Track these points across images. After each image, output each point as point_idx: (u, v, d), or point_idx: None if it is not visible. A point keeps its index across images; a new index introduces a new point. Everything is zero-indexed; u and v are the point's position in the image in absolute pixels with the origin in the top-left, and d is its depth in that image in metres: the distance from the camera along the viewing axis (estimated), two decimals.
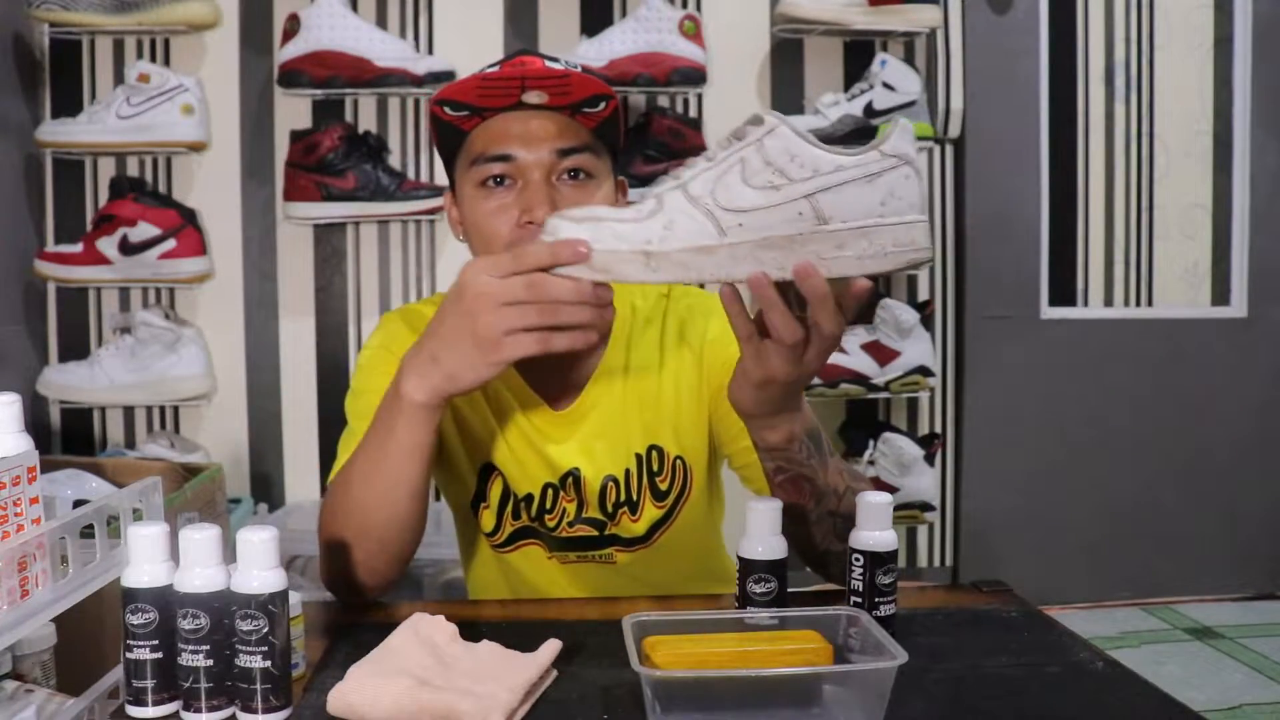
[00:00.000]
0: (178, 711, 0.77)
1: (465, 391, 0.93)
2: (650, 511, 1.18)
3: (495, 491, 1.19)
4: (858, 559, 0.92)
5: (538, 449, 1.17)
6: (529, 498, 1.18)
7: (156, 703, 0.77)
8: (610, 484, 1.17)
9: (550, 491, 1.18)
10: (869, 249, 0.79)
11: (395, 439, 0.98)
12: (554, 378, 1.17)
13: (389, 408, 0.98)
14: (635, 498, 1.18)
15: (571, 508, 1.18)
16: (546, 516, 1.18)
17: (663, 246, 0.80)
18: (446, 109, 1.08)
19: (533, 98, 1.06)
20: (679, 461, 1.18)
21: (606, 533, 1.19)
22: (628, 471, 1.17)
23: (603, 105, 1.08)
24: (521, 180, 1.08)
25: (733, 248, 0.79)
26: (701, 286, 0.84)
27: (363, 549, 1.02)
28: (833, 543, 1.04)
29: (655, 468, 1.18)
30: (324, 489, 2.37)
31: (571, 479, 1.17)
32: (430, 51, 2.34)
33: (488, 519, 1.20)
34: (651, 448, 1.18)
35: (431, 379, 0.93)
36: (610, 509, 1.17)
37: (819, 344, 0.85)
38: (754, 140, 0.80)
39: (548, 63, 1.08)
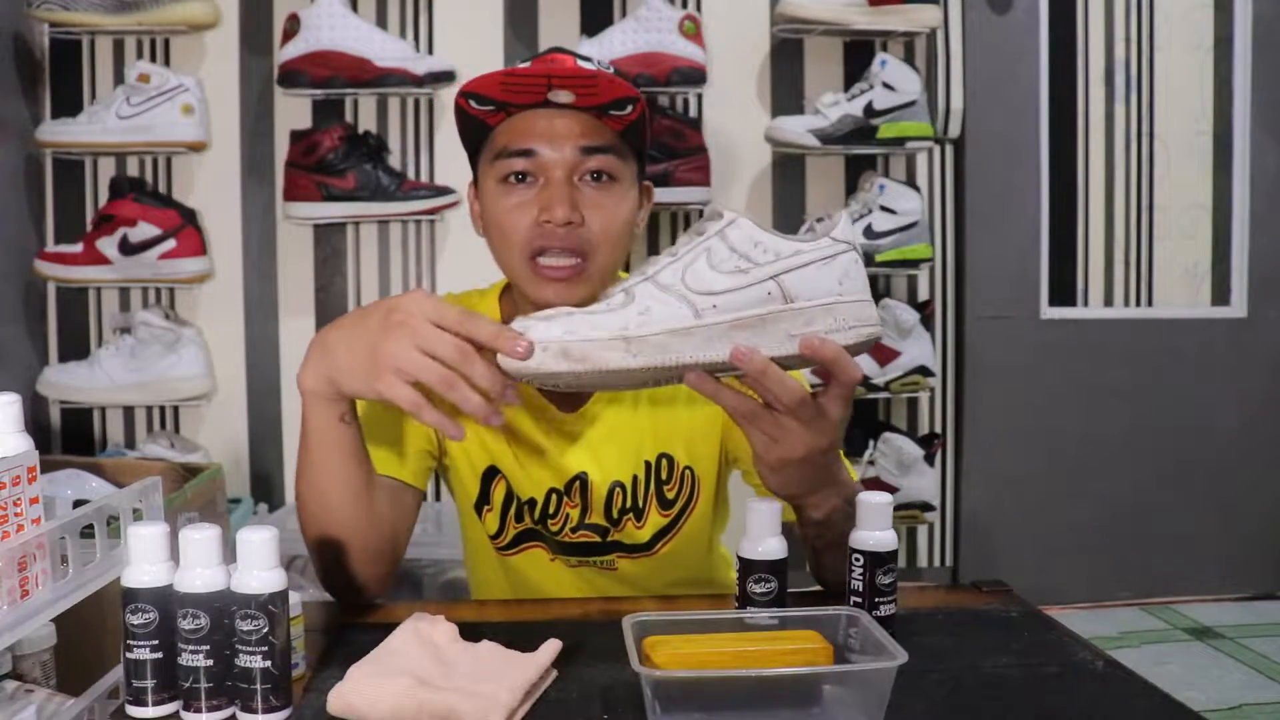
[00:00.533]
0: (178, 711, 0.77)
1: (347, 395, 0.91)
2: (655, 519, 1.18)
3: (498, 495, 1.18)
4: (858, 559, 0.92)
5: (543, 453, 1.16)
6: (532, 502, 1.18)
7: (156, 703, 0.77)
8: (617, 490, 1.16)
9: (554, 497, 1.17)
10: (834, 324, 0.84)
11: (309, 430, 0.96)
12: None
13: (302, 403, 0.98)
14: (641, 505, 1.17)
15: (575, 514, 1.17)
16: (550, 521, 1.18)
17: (640, 330, 0.82)
18: (472, 102, 1.07)
19: (559, 96, 1.04)
20: (688, 471, 1.18)
21: (610, 539, 1.18)
22: (635, 478, 1.17)
23: (630, 108, 1.06)
24: (543, 178, 1.07)
25: (709, 328, 0.82)
26: (678, 379, 0.85)
27: (334, 545, 1.01)
28: None
29: (664, 476, 1.17)
30: None
31: (578, 483, 1.16)
32: (430, 51, 2.34)
33: (491, 521, 1.20)
34: (662, 456, 1.17)
35: (320, 367, 0.91)
36: (615, 515, 1.17)
37: (812, 410, 0.85)
38: (715, 233, 0.85)
39: (579, 61, 1.07)
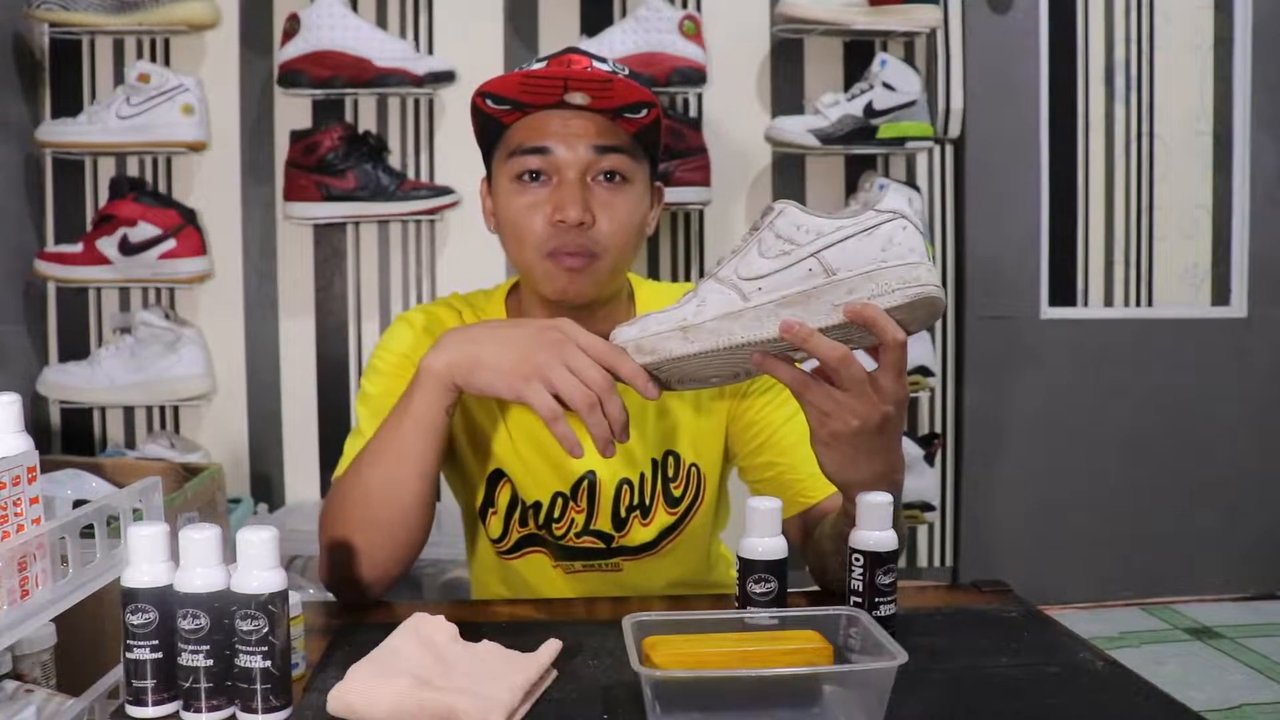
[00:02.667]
0: (178, 711, 0.77)
1: (474, 389, 0.95)
2: (662, 517, 1.18)
3: (503, 498, 1.18)
4: (858, 559, 0.92)
5: (550, 455, 1.16)
6: (537, 505, 1.18)
7: (156, 703, 0.77)
8: (625, 487, 1.17)
9: (560, 500, 1.17)
10: (877, 289, 0.86)
11: (410, 412, 0.99)
12: None
13: (410, 385, 1.00)
14: (649, 502, 1.17)
15: (580, 519, 1.17)
16: (554, 525, 1.18)
17: (696, 319, 0.88)
18: (488, 101, 1.08)
19: (576, 98, 1.06)
20: (694, 469, 1.18)
21: (614, 545, 1.18)
22: (643, 476, 1.17)
23: (645, 112, 1.07)
24: (557, 177, 1.08)
25: (756, 309, 0.87)
26: (750, 369, 0.91)
27: (366, 538, 1.01)
28: None
29: (671, 474, 1.18)
30: (324, 489, 2.38)
31: (586, 484, 1.16)
32: (430, 51, 2.34)
33: (495, 525, 1.20)
34: (668, 453, 1.17)
35: (458, 355, 0.95)
36: (623, 514, 1.17)
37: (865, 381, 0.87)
38: (766, 224, 0.90)
39: (595, 62, 1.08)
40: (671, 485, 1.18)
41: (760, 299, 0.87)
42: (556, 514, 1.17)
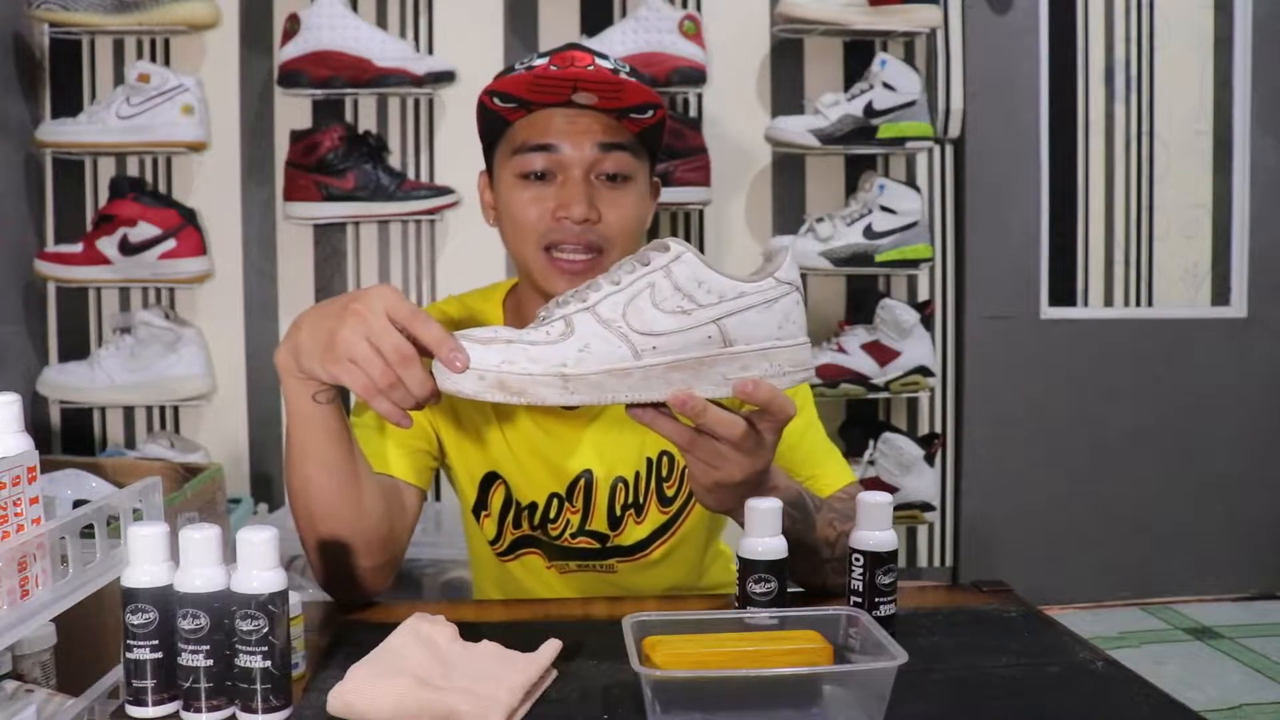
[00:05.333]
0: (178, 711, 0.77)
1: (310, 376, 0.90)
2: (655, 516, 1.18)
3: (497, 501, 1.18)
4: (858, 559, 0.92)
5: (545, 456, 1.16)
6: (532, 506, 1.18)
7: (156, 703, 0.77)
8: (620, 485, 1.17)
9: (555, 501, 1.17)
10: (771, 369, 0.85)
11: (289, 411, 0.96)
12: None
13: None
14: (642, 501, 1.17)
15: (575, 519, 1.17)
16: (550, 525, 1.18)
17: (579, 369, 0.82)
18: (495, 99, 1.08)
19: (583, 98, 1.06)
20: (687, 471, 1.18)
21: (609, 545, 1.18)
22: (638, 474, 1.17)
23: (650, 113, 1.08)
24: (561, 175, 1.08)
25: (646, 369, 0.83)
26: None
27: (323, 541, 1.00)
28: (829, 578, 1.05)
29: (665, 473, 1.18)
30: None
31: (581, 484, 1.16)
32: (430, 51, 2.34)
33: (489, 527, 1.20)
34: (663, 454, 1.18)
35: (288, 343, 0.91)
36: (618, 512, 1.17)
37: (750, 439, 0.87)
38: (661, 266, 0.84)
39: (597, 59, 1.08)
40: (665, 485, 1.18)
41: (652, 359, 0.83)
42: (552, 514, 1.17)
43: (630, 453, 1.17)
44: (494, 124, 1.13)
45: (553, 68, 1.06)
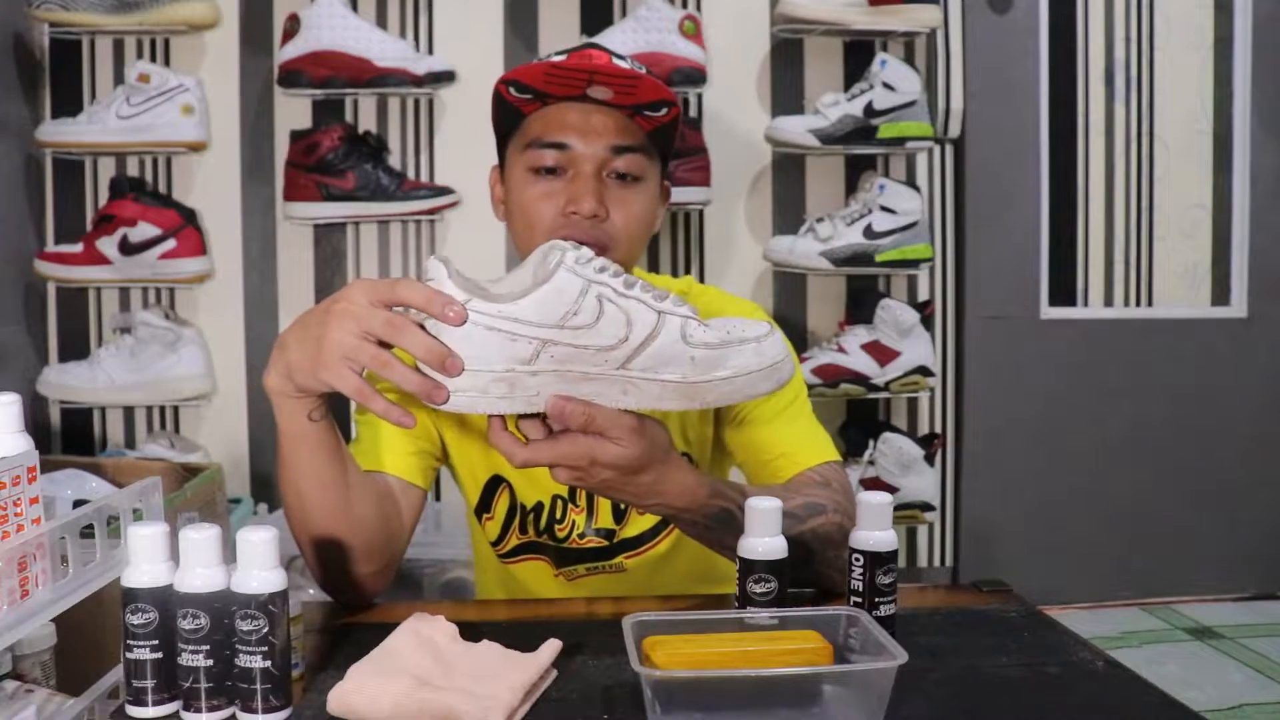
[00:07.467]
0: (178, 711, 0.77)
1: (306, 392, 0.88)
2: None
3: (501, 504, 1.18)
4: (858, 559, 0.92)
5: None
6: (538, 507, 1.17)
7: (156, 703, 0.77)
8: None
9: (560, 503, 1.17)
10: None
11: (282, 431, 0.94)
12: None
13: None
14: None
15: (580, 519, 1.17)
16: (557, 528, 1.18)
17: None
18: (511, 89, 1.09)
19: (598, 93, 1.06)
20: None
21: (616, 540, 1.18)
22: None
23: (664, 111, 1.09)
24: (573, 171, 1.08)
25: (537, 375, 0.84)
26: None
27: (319, 546, 1.00)
28: (819, 576, 1.05)
29: None
30: None
31: None
32: (430, 51, 2.34)
33: (491, 529, 1.20)
34: None
35: (278, 365, 0.88)
36: (621, 504, 1.17)
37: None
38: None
39: (615, 59, 1.08)
40: None
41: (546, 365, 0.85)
42: (558, 516, 1.17)
43: None
44: (509, 116, 1.13)
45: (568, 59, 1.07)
